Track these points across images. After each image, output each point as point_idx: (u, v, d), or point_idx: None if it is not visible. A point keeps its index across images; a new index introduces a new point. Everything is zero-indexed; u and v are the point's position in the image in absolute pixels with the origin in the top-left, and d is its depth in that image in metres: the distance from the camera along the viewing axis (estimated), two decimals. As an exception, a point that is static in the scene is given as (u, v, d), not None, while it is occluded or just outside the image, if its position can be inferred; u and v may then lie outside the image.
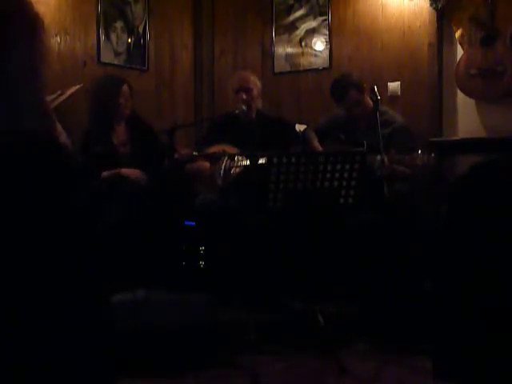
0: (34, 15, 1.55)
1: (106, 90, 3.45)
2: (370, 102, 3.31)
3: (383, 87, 4.07)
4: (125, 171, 3.34)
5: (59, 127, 1.73)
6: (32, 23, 1.55)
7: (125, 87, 3.48)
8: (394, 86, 4.21)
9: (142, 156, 3.46)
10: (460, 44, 3.96)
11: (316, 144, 3.50)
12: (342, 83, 3.50)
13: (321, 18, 4.45)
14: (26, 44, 1.53)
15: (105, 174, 3.33)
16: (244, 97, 3.54)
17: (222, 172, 3.39)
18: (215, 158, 3.41)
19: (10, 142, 1.49)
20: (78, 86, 3.27)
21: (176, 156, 3.33)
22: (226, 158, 3.39)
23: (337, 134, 3.49)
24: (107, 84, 3.51)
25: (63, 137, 1.81)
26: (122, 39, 4.30)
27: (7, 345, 1.46)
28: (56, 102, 2.79)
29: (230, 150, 3.43)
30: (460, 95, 4.04)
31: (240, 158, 3.38)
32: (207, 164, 3.48)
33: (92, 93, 3.50)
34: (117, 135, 3.49)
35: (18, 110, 1.53)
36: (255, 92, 3.61)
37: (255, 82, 3.64)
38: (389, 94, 4.18)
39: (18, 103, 1.53)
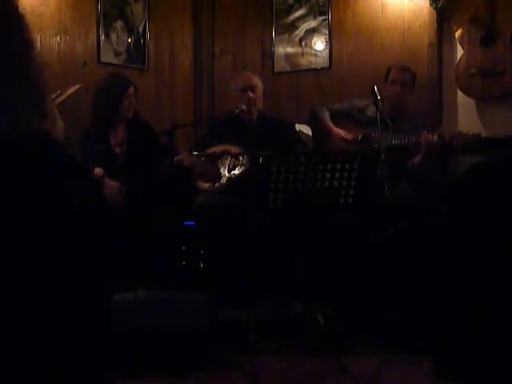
0: (17, 8, 1.55)
1: (112, 91, 3.39)
2: (406, 100, 3.54)
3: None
4: (107, 182, 3.24)
5: (59, 124, 1.71)
6: (18, 15, 1.54)
7: (131, 89, 3.43)
8: (393, 85, 4.20)
9: (138, 157, 3.42)
10: (460, 44, 3.95)
11: (327, 122, 3.62)
12: (402, 65, 3.61)
13: (321, 18, 4.45)
14: (17, 39, 1.52)
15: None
16: (251, 95, 3.54)
17: (223, 171, 3.39)
18: (216, 158, 3.41)
19: (8, 142, 1.49)
20: (77, 86, 3.27)
21: (176, 158, 3.32)
22: (229, 157, 3.39)
23: (354, 117, 3.63)
24: (113, 84, 3.43)
25: (60, 133, 1.79)
26: (121, 39, 4.29)
27: (6, 346, 1.46)
28: (55, 102, 2.79)
29: (234, 149, 3.43)
30: (460, 95, 4.04)
31: (241, 157, 3.37)
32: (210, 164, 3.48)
33: (97, 91, 3.44)
34: (115, 135, 3.47)
35: (14, 109, 1.53)
36: (259, 92, 3.62)
37: (259, 83, 3.66)
38: (389, 93, 4.18)
39: (15, 102, 1.53)
